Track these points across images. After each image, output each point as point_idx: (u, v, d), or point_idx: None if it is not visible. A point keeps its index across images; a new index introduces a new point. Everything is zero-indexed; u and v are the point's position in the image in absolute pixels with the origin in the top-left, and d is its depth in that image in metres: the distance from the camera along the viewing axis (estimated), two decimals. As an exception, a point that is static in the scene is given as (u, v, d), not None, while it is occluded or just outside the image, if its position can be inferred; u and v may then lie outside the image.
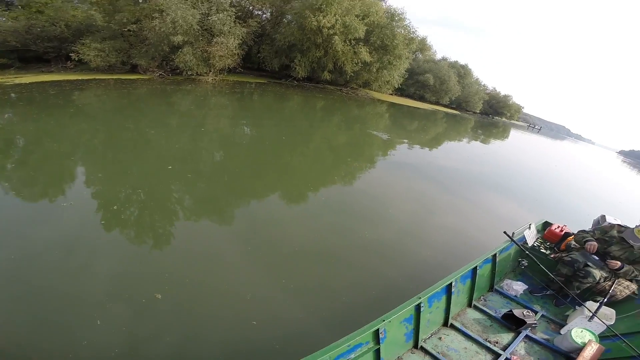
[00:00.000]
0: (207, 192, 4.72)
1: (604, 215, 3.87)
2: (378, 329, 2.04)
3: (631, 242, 3.00)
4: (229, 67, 15.03)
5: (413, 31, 21.79)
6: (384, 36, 19.41)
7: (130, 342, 2.29)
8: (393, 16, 20.15)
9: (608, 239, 3.17)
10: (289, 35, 17.20)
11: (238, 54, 15.01)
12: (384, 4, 20.78)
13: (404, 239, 4.50)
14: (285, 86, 18.26)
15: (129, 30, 12.29)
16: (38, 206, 3.73)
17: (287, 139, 8.66)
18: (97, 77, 11.02)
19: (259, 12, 18.72)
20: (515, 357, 2.44)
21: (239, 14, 15.34)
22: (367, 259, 3.81)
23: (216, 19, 13.31)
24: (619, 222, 3.42)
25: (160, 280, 2.86)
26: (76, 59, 11.14)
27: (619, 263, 2.99)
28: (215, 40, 13.59)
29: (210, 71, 14.32)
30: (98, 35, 11.84)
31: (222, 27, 13.57)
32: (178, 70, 13.51)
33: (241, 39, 14.82)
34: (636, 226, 3.06)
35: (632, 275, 3.00)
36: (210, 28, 13.57)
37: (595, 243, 3.14)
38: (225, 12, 13.67)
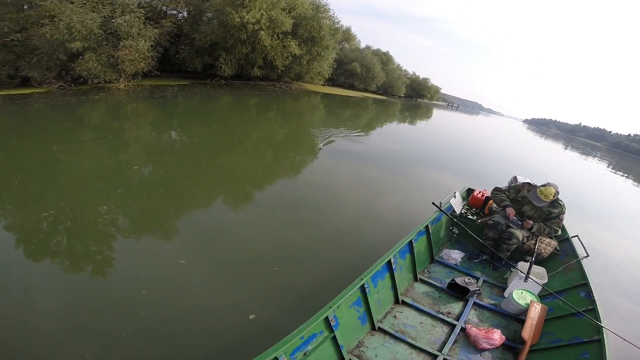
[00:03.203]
0: (143, 209, 4.22)
1: (516, 176, 4.23)
2: (327, 317, 2.00)
3: (534, 203, 3.28)
4: (143, 71, 13.52)
5: (337, 21, 22.35)
6: (311, 28, 19.55)
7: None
8: (318, 7, 20.36)
9: (521, 199, 3.46)
10: (210, 34, 16.20)
11: (152, 57, 13.60)
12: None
13: (358, 224, 4.61)
14: (212, 86, 17.19)
15: (12, 40, 10.39)
16: None
17: (222, 140, 8.22)
18: (-25, 96, 9.09)
19: (174, 12, 17.13)
20: (469, 326, 2.56)
21: (150, 14, 13.86)
22: (327, 249, 3.82)
23: (121, 21, 11.84)
24: (528, 181, 3.72)
25: (116, 310, 2.55)
26: (-54, 77, 9.05)
27: (531, 222, 3.30)
28: (122, 44, 12.14)
29: (121, 77, 12.73)
30: (-29, 48, 9.79)
31: (130, 30, 12.18)
32: (81, 80, 11.74)
33: (154, 41, 13.47)
34: (537, 187, 3.33)
35: (546, 232, 3.33)
36: (116, 31, 12.10)
37: (512, 209, 3.40)
38: (132, 14, 12.26)
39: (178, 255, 3.27)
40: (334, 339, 2.07)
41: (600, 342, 2.06)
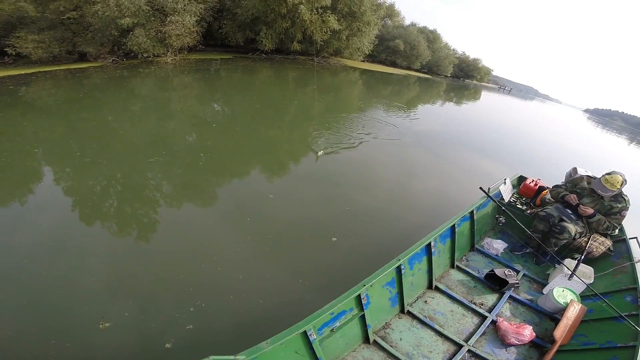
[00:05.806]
0: (185, 176, 4.49)
1: (576, 168, 3.88)
2: (360, 295, 1.99)
3: (600, 192, 2.97)
4: (188, 46, 14.10)
5: (380, -4, 21.17)
6: (351, 3, 18.91)
7: (140, 339, 2.25)
8: (358, -18, 19.38)
9: (579, 191, 3.17)
10: (251, 8, 16.22)
11: (197, 32, 14.07)
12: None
13: (391, 205, 4.54)
14: (253, 60, 17.45)
15: (68, 18, 11.14)
16: (6, 211, 3.39)
17: (261, 113, 8.38)
18: (41, 70, 9.88)
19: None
20: (500, 319, 2.45)
21: (194, -10, 14.20)
22: (357, 227, 3.85)
23: (167, -3, 12.28)
24: (589, 174, 3.42)
25: (153, 272, 2.78)
26: (13, 53, 9.95)
27: (591, 210, 2.99)
28: (169, 19, 12.60)
29: (168, 51, 13.37)
30: (33, 26, 10.48)
31: (175, 6, 12.63)
32: (132, 54, 12.47)
33: (198, 16, 13.84)
34: (602, 175, 3.02)
35: (604, 226, 3.02)
36: (162, 7, 12.57)
37: (574, 195, 3.12)
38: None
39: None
40: (363, 317, 2.07)
41: (634, 349, 1.90)
